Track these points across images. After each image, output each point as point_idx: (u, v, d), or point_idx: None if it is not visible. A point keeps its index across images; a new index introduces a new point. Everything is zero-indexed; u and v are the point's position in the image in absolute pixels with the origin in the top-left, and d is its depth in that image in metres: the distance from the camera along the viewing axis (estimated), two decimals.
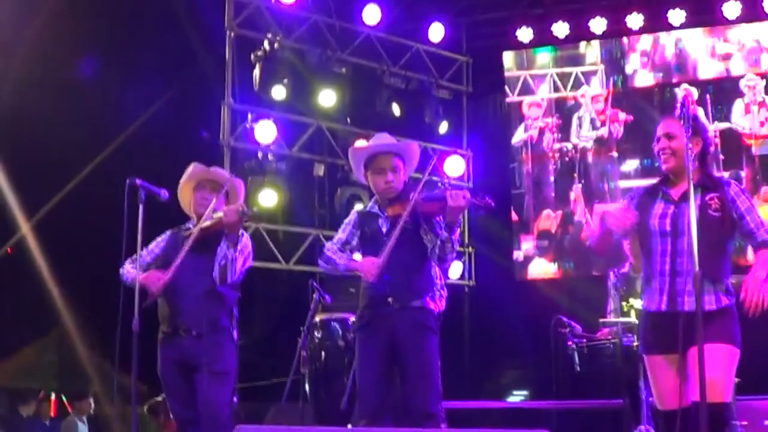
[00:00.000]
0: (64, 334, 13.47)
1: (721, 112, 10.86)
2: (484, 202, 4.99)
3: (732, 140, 10.81)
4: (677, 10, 11.03)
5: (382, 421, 4.92)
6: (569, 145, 11.58)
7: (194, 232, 5.31)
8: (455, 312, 8.96)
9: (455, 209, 4.91)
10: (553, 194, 11.64)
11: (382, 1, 11.04)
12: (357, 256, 5.20)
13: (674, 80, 11.24)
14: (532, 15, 11.79)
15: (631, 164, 11.30)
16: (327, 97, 10.70)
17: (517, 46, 11.85)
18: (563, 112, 11.65)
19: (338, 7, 10.97)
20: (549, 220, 11.58)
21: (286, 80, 10.31)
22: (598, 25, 11.39)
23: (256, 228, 9.91)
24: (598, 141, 11.44)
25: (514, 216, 11.72)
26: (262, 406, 8.24)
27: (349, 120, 11.06)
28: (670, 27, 11.19)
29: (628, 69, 11.47)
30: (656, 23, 11.28)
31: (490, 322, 11.15)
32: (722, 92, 10.96)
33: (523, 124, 11.76)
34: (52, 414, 12.08)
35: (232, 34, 10.15)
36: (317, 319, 7.28)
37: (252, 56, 10.17)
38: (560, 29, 11.56)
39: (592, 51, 11.62)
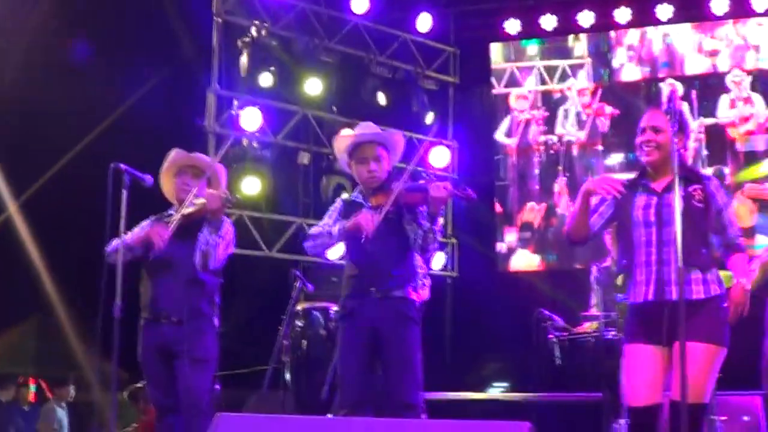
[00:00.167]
0: (46, 318, 13.37)
1: (707, 108, 10.88)
2: (465, 194, 5.00)
3: (716, 136, 10.83)
4: (665, 5, 11.01)
5: (362, 411, 4.91)
6: (554, 138, 11.59)
7: (177, 218, 5.29)
8: (437, 303, 8.95)
9: (437, 200, 4.92)
10: (537, 187, 11.64)
11: None
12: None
13: (661, 75, 11.24)
14: (521, 7, 11.77)
15: (616, 158, 11.29)
16: (313, 86, 10.69)
17: (505, 37, 11.83)
18: (550, 104, 11.65)
19: None
20: (533, 212, 11.59)
21: (273, 68, 10.31)
22: (585, 18, 11.37)
23: (239, 215, 9.89)
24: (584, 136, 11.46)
25: (498, 207, 11.73)
26: (242, 394, 8.21)
27: (335, 109, 11.03)
28: (657, 22, 11.18)
29: (615, 63, 11.46)
30: (644, 18, 11.26)
31: (472, 314, 11.16)
32: (708, 88, 10.97)
33: (508, 116, 11.75)
34: (31, 399, 12.02)
35: (220, 20, 10.12)
36: (299, 307, 7.29)
37: (239, 43, 10.13)
38: (548, 22, 11.54)
39: (579, 44, 11.61)
